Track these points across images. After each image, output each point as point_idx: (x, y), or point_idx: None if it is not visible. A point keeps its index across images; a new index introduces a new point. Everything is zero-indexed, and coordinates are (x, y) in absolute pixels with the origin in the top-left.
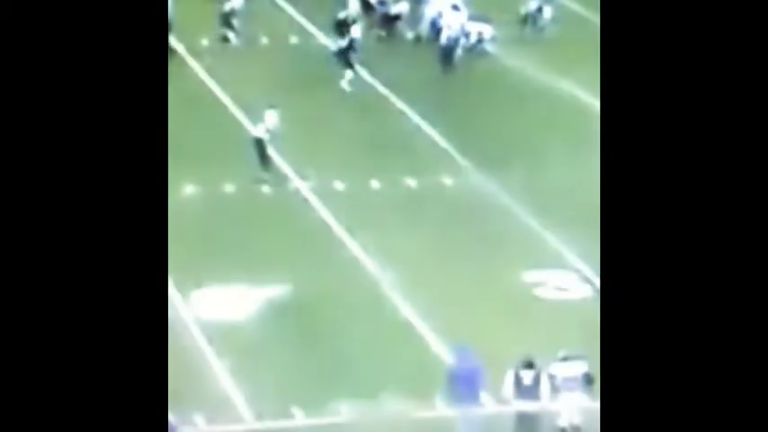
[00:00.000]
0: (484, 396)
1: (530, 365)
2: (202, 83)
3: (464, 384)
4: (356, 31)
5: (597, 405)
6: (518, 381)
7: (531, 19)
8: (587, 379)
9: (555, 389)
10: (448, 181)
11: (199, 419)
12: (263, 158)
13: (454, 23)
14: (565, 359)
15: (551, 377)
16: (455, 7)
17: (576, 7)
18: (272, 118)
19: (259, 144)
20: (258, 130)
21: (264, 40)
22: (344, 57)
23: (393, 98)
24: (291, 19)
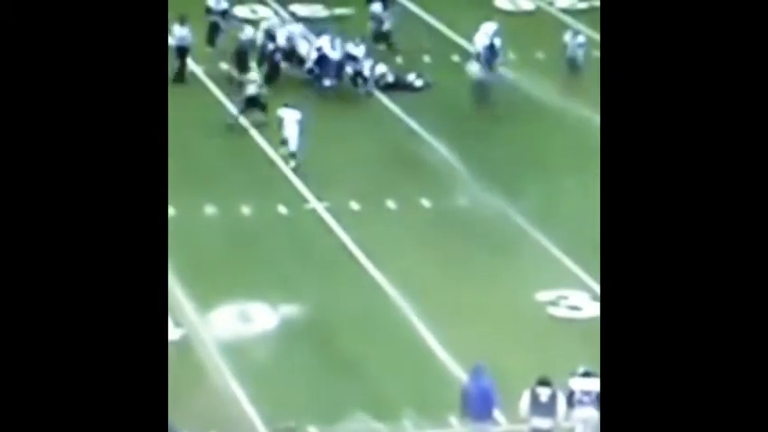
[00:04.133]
0: (498, 414)
1: (546, 383)
2: (223, 108)
3: (478, 402)
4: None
5: None
6: (534, 398)
7: (570, 56)
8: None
9: (571, 402)
10: (462, 201)
11: None
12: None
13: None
14: (585, 374)
15: (570, 391)
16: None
17: (595, 35)
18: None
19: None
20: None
21: (283, 64)
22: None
23: (408, 120)
24: (310, 42)
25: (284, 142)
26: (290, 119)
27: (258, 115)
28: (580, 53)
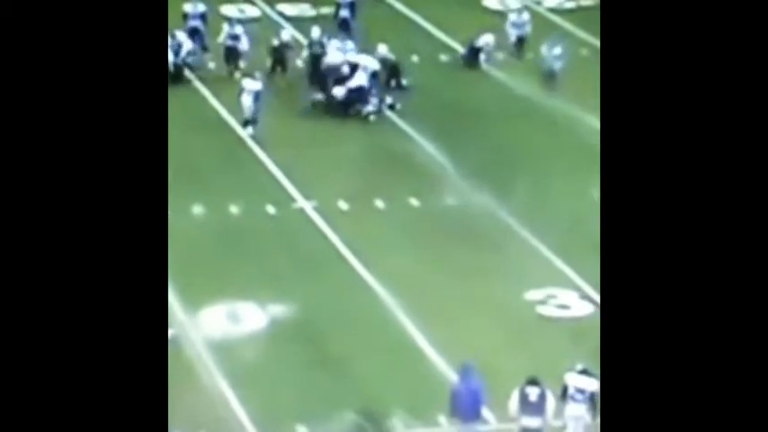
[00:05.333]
0: (487, 413)
1: (535, 382)
2: (211, 107)
3: (468, 403)
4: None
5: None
6: (523, 397)
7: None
8: (593, 398)
9: (564, 397)
10: (451, 201)
11: None
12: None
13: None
14: (582, 372)
15: (564, 385)
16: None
17: (583, 34)
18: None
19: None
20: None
21: (270, 63)
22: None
23: (396, 119)
24: (298, 43)
25: (241, 111)
26: (249, 88)
27: None
28: (558, 65)
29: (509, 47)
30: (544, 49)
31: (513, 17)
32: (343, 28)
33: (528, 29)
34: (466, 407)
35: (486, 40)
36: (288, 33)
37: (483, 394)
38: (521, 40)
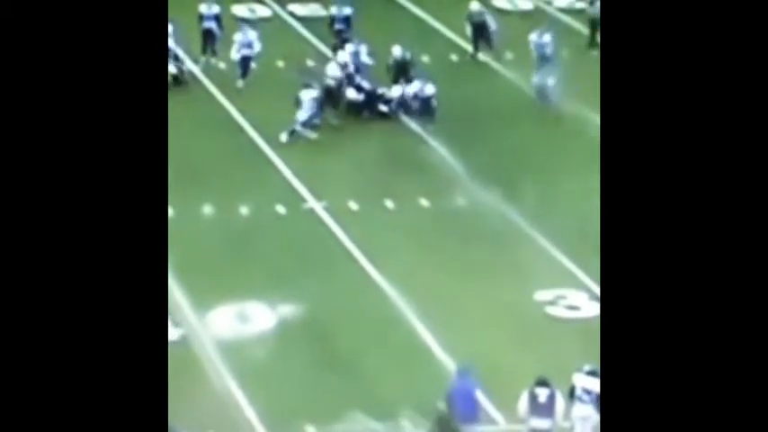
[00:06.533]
0: (496, 414)
1: (544, 383)
2: (221, 108)
3: (461, 403)
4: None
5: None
6: (533, 398)
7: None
8: (599, 399)
9: (571, 397)
10: (461, 201)
11: None
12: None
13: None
14: (590, 373)
15: (571, 385)
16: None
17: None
18: None
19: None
20: None
21: (281, 63)
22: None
23: (406, 119)
24: (308, 42)
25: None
26: (305, 97)
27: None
28: (555, 94)
29: (532, 63)
30: (539, 79)
31: (534, 37)
32: (339, 38)
33: (551, 49)
34: (462, 408)
35: (472, 8)
36: (333, 68)
37: (476, 395)
38: (543, 59)
